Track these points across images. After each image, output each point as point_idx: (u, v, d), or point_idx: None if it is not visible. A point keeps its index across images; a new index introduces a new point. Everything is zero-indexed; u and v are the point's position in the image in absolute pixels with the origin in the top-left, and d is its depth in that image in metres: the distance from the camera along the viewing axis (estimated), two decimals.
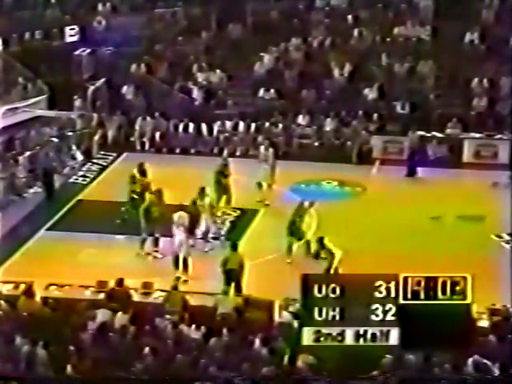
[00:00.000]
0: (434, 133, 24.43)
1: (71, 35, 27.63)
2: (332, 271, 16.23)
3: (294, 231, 18.01)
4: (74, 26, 27.70)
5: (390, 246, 18.11)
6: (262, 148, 21.46)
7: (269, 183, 20.89)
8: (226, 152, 23.07)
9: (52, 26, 27.67)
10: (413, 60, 26.24)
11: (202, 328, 14.37)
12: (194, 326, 14.47)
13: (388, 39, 27.10)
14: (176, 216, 17.50)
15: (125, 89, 26.26)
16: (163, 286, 16.21)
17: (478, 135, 24.33)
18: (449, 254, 17.47)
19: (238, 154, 24.34)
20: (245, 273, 16.43)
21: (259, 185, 20.64)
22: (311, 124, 25.13)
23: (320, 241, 16.93)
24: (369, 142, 24.32)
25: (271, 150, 21.30)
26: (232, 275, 16.32)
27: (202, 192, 18.62)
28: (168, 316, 14.95)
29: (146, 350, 13.63)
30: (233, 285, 16.23)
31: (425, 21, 27.22)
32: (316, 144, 24.73)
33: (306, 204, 18.46)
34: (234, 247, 16.86)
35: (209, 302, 15.44)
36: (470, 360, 13.12)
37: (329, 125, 25.00)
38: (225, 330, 14.20)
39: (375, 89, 25.75)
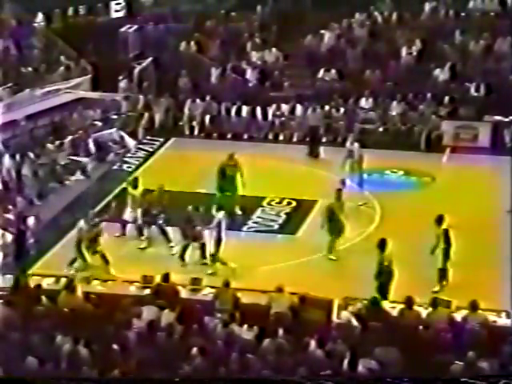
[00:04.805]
0: None
1: (117, 10, 27.96)
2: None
3: (334, 226, 17.58)
4: (120, 1, 28.03)
5: (461, 243, 17.93)
6: (348, 142, 21.32)
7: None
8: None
9: (97, 0, 28.02)
10: (490, 37, 25.93)
11: (255, 328, 14.46)
12: (245, 325, 14.56)
13: (462, 14, 26.82)
14: None
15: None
16: (213, 282, 16.37)
17: None
18: None
19: (294, 140, 24.51)
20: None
21: (343, 182, 19.78)
22: (375, 108, 25.05)
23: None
24: (439, 128, 24.16)
25: (356, 144, 21.02)
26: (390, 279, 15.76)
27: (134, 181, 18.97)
28: (218, 314, 15.06)
29: (194, 350, 13.76)
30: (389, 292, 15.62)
31: None
32: (380, 129, 24.66)
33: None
34: (382, 246, 15.89)
35: (262, 300, 15.51)
36: None
37: (395, 109, 24.90)
38: (279, 331, 14.27)
39: (447, 69, 25.52)
